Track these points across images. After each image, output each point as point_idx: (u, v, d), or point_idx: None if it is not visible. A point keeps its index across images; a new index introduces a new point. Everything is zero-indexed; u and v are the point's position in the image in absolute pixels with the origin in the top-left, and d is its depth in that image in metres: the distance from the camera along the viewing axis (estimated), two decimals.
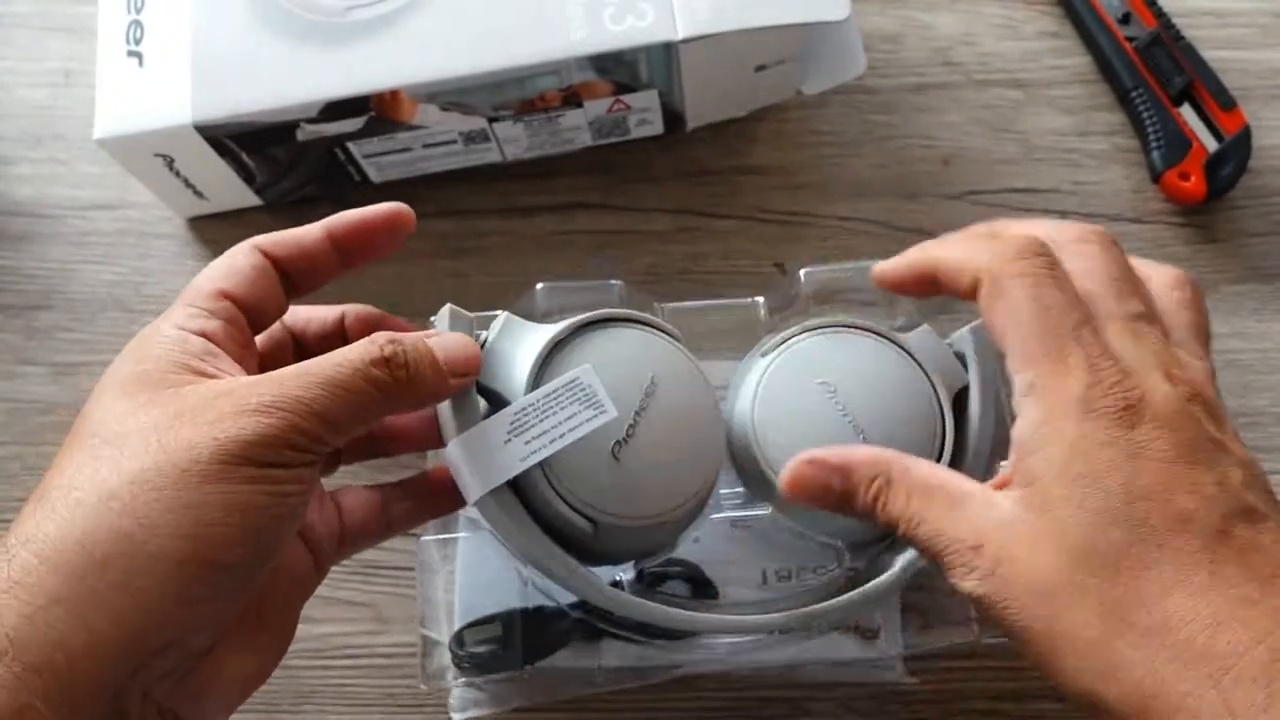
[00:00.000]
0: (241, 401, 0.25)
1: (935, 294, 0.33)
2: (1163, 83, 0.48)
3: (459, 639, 0.37)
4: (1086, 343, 0.28)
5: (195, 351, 0.27)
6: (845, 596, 0.34)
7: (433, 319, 0.33)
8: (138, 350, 0.27)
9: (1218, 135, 0.47)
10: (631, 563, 0.36)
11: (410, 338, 0.29)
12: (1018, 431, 0.29)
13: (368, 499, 0.33)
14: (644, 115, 0.45)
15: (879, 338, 0.36)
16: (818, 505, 0.32)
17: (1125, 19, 0.49)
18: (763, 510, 0.37)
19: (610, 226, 0.48)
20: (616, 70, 0.42)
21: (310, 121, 0.42)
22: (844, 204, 0.48)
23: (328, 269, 0.31)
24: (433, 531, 0.38)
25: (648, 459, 0.32)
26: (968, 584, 0.28)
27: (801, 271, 0.40)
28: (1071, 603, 0.26)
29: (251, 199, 0.47)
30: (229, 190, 0.46)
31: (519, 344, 0.33)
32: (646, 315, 0.35)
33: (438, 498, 0.33)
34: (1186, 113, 0.47)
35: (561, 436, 0.31)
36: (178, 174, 0.45)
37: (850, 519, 0.32)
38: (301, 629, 0.31)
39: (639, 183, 0.49)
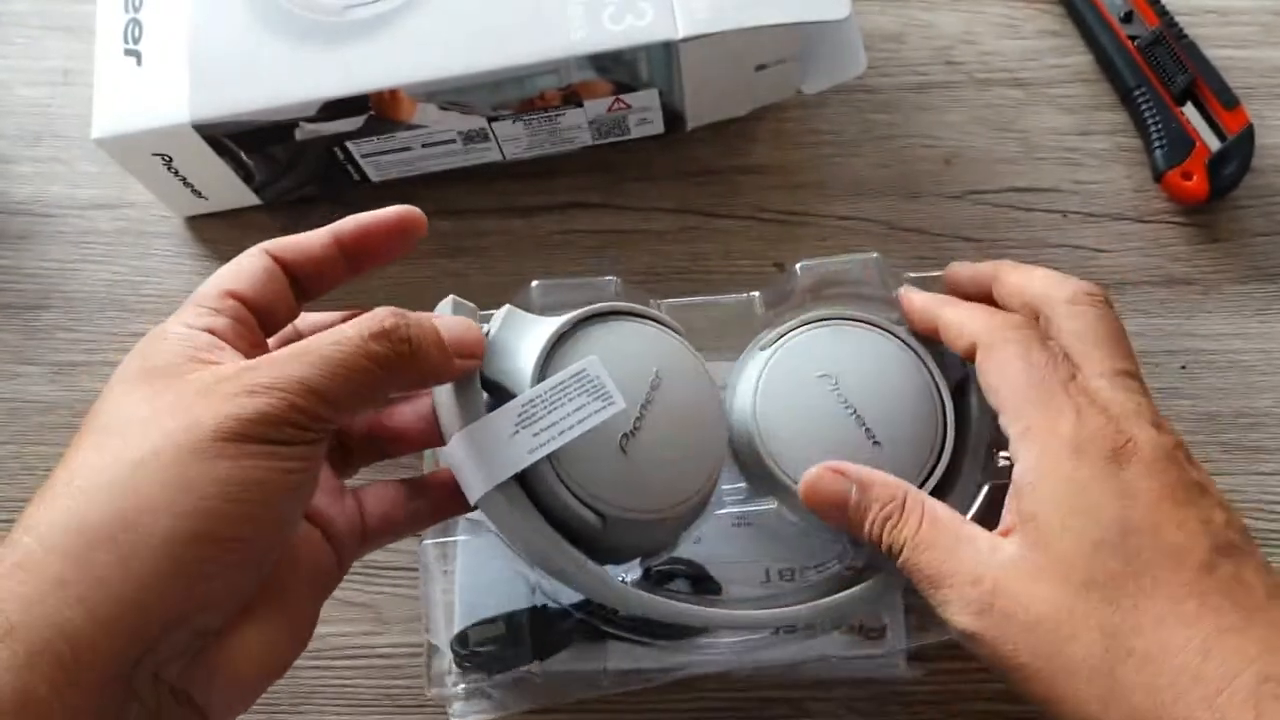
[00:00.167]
0: (240, 383, 0.25)
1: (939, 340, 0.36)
2: (1165, 81, 0.48)
3: (462, 638, 0.37)
4: (1074, 393, 0.31)
5: (201, 345, 0.27)
6: (856, 588, 0.34)
7: (435, 310, 0.33)
8: (145, 348, 0.28)
9: (1220, 134, 0.47)
10: (636, 561, 0.36)
11: (415, 315, 0.29)
12: (1015, 474, 0.31)
13: (390, 494, 0.33)
14: (644, 115, 0.45)
15: (878, 329, 0.36)
16: (829, 514, 0.33)
17: (1127, 17, 0.49)
18: (765, 505, 0.37)
19: (610, 226, 0.48)
20: (616, 69, 0.42)
21: (309, 120, 0.42)
22: (844, 203, 0.48)
23: (335, 273, 0.31)
24: (433, 535, 0.38)
25: (655, 452, 0.32)
26: (962, 619, 0.30)
27: (797, 265, 0.39)
28: (1074, 632, 0.28)
29: (250, 198, 0.47)
30: (228, 189, 0.46)
31: (522, 336, 0.32)
32: (649, 309, 0.35)
33: (453, 496, 0.33)
34: (1189, 112, 0.47)
35: (571, 428, 0.30)
36: (176, 173, 0.44)
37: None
38: None
39: (639, 182, 0.49)
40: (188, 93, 0.42)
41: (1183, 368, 0.45)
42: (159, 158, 0.43)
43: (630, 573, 0.36)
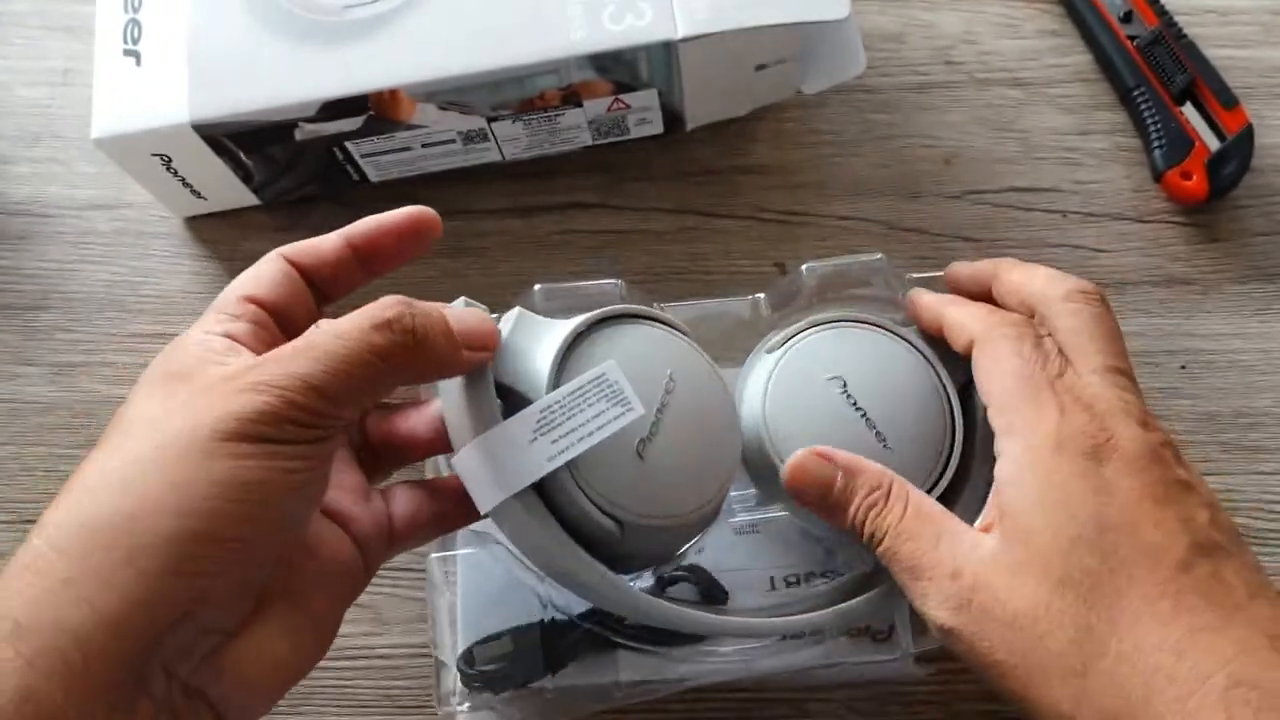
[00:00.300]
0: (241, 380, 0.25)
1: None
2: (1164, 81, 0.48)
3: (468, 658, 0.36)
4: (1060, 390, 0.31)
5: (218, 350, 0.27)
6: (870, 593, 0.34)
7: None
8: (168, 353, 0.28)
9: (1220, 134, 0.47)
10: (649, 570, 0.36)
11: (423, 304, 0.28)
12: (997, 470, 0.31)
13: (417, 496, 0.32)
14: (643, 115, 0.45)
15: (885, 332, 0.36)
16: (812, 499, 0.33)
17: (1127, 17, 0.49)
18: (775, 512, 0.37)
19: (609, 226, 0.48)
20: (616, 69, 0.42)
21: (308, 121, 0.42)
22: (844, 203, 0.48)
23: (351, 276, 0.31)
24: (438, 548, 0.38)
25: (672, 457, 0.32)
26: (940, 614, 0.30)
27: (803, 267, 0.39)
28: (1049, 629, 0.28)
29: (249, 198, 0.47)
30: (227, 190, 0.46)
31: (535, 339, 0.32)
32: (659, 312, 0.34)
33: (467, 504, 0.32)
34: (1188, 111, 0.47)
35: (590, 435, 0.29)
36: (175, 173, 0.44)
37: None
38: None
39: (638, 182, 0.49)
40: (187, 93, 0.42)
41: (1182, 368, 0.45)
42: (158, 158, 0.43)
43: (641, 581, 0.36)
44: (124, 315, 0.47)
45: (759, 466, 0.36)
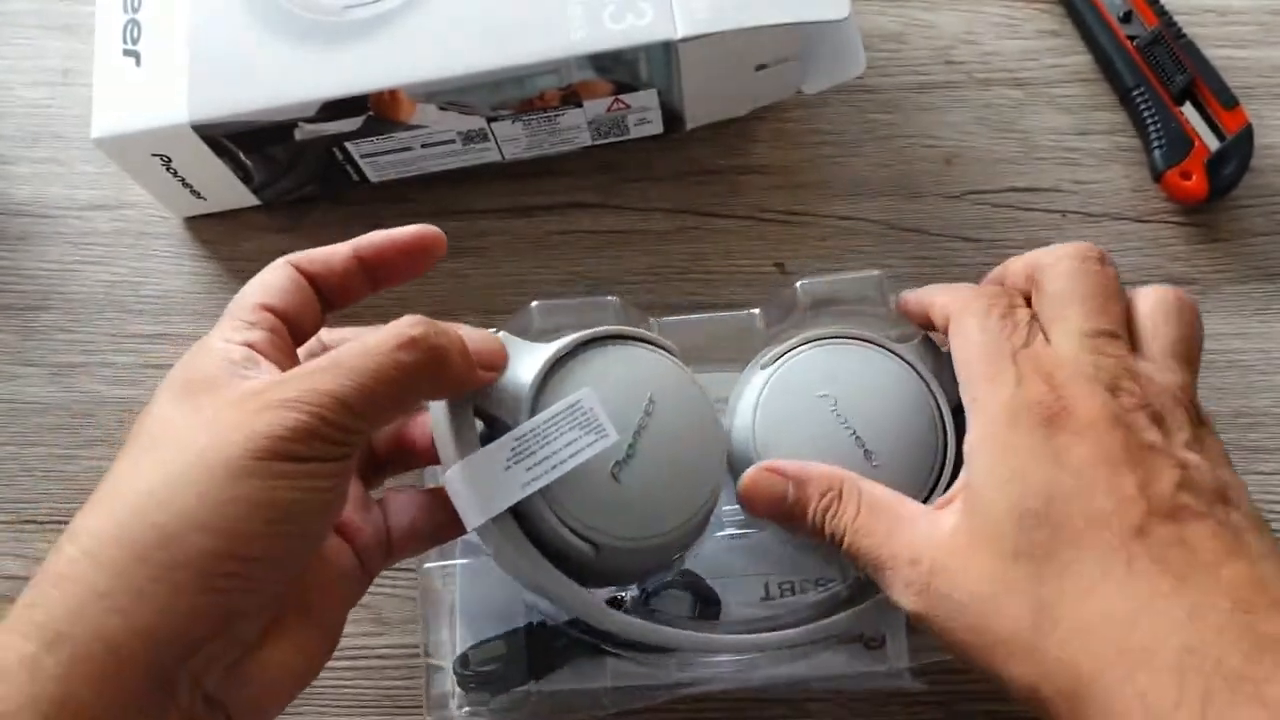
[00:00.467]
0: (270, 397, 0.26)
1: (937, 330, 0.35)
2: (1164, 81, 0.48)
3: (463, 660, 0.36)
4: (1021, 362, 0.30)
5: (238, 360, 0.28)
6: (854, 608, 0.34)
7: None
8: (188, 361, 0.29)
9: (1219, 134, 0.47)
10: (635, 584, 0.36)
11: (441, 324, 0.29)
12: (964, 446, 0.31)
13: (414, 505, 0.33)
14: (643, 115, 0.45)
15: (879, 348, 0.36)
16: (770, 514, 0.33)
17: (1126, 17, 0.49)
18: (764, 527, 0.37)
19: (610, 226, 0.48)
20: (616, 69, 0.42)
21: (308, 121, 0.42)
22: (844, 203, 0.48)
23: (357, 287, 0.32)
24: (434, 558, 0.38)
25: (649, 479, 0.32)
26: (905, 600, 0.30)
27: (799, 284, 0.39)
28: (1004, 606, 0.27)
29: (249, 199, 0.47)
30: (227, 190, 0.46)
31: (515, 364, 0.32)
32: (643, 331, 0.35)
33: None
34: (1188, 111, 0.47)
35: (563, 462, 0.31)
36: (175, 174, 0.44)
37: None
38: None
39: (638, 182, 0.49)
40: (187, 93, 0.42)
41: None
42: (158, 158, 0.43)
43: (629, 590, 0.36)
44: (124, 315, 0.47)
45: None
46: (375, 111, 0.42)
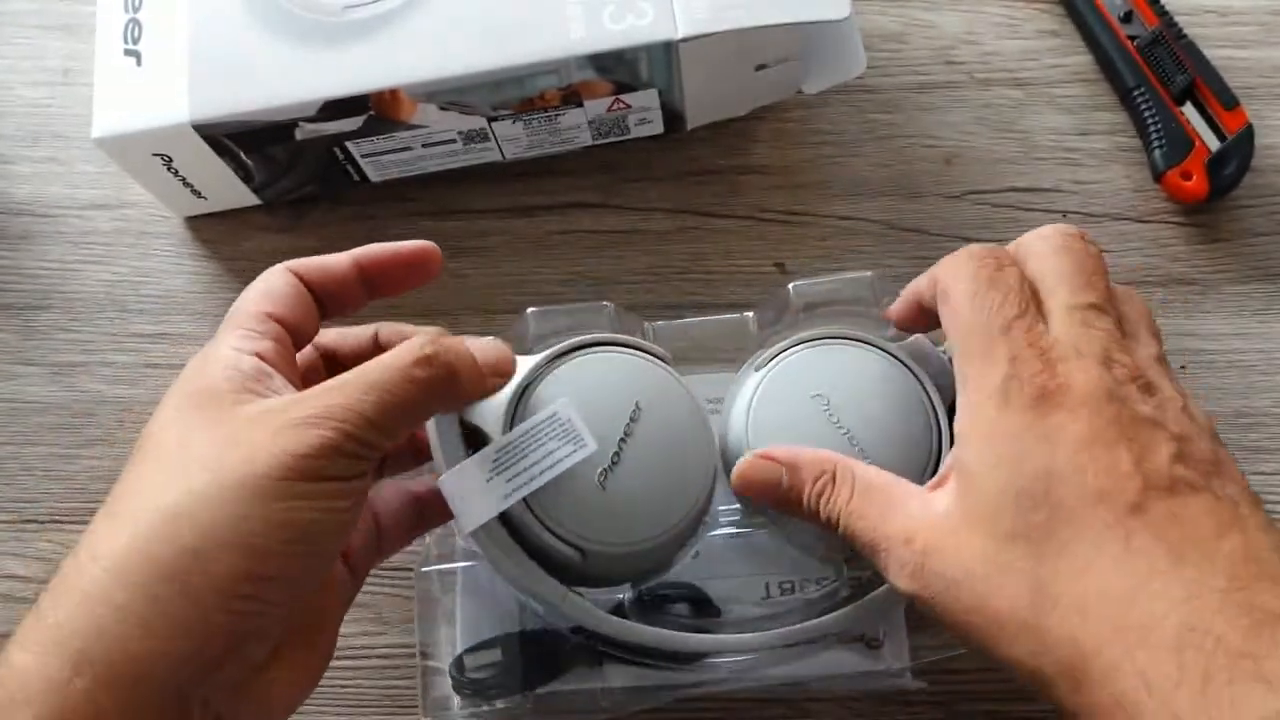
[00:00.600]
0: (293, 415, 0.26)
1: (936, 323, 0.33)
2: (1165, 81, 0.48)
3: (459, 664, 0.37)
4: (1014, 337, 0.29)
5: (249, 372, 0.28)
6: (849, 608, 0.34)
7: None
8: (197, 371, 0.29)
9: (1220, 134, 0.47)
10: (628, 585, 0.36)
11: (449, 339, 0.30)
12: (955, 425, 0.30)
13: (399, 501, 0.34)
14: (644, 114, 0.45)
15: (872, 348, 0.36)
16: (767, 501, 0.33)
17: (1127, 17, 0.49)
18: (761, 525, 0.37)
19: (610, 226, 0.48)
20: (616, 69, 0.42)
21: (309, 120, 0.42)
22: (844, 203, 0.48)
23: (355, 297, 0.33)
24: (434, 562, 0.38)
25: (634, 485, 0.33)
26: (901, 581, 0.30)
27: (791, 285, 0.39)
28: (1000, 586, 0.27)
29: (250, 198, 0.47)
30: (227, 189, 0.46)
31: None
32: (630, 338, 0.35)
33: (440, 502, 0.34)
34: (1189, 111, 0.47)
35: (542, 474, 0.31)
36: (176, 173, 0.44)
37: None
38: None
39: (639, 182, 0.49)
40: (187, 93, 0.42)
41: (1182, 368, 0.45)
42: (159, 158, 0.43)
43: (625, 593, 0.36)
44: (124, 315, 0.47)
45: None
46: (376, 111, 0.42)
